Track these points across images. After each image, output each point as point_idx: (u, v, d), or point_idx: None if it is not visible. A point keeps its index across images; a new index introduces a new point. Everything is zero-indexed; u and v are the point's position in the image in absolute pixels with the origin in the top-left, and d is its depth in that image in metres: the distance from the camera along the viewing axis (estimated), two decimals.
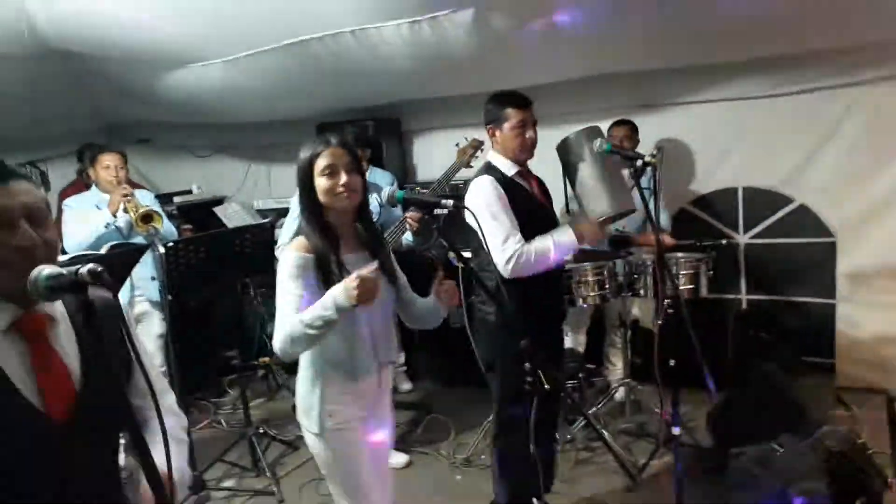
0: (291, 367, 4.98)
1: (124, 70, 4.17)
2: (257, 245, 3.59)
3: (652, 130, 4.16)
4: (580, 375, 3.80)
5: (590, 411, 3.77)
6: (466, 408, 4.02)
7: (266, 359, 4.84)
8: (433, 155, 4.94)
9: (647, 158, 2.61)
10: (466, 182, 4.53)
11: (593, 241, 2.69)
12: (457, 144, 3.88)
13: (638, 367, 3.88)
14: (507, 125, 2.60)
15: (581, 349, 4.17)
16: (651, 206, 2.94)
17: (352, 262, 2.00)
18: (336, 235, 2.02)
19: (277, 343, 1.91)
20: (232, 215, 4.91)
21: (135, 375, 1.44)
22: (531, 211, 2.63)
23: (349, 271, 1.92)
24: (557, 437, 3.35)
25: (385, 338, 2.12)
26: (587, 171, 2.65)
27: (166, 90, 4.34)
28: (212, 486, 3.49)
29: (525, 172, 2.71)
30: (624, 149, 3.60)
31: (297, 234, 2.08)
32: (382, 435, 2.22)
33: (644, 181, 3.73)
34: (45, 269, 1.11)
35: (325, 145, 2.00)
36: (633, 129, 4.01)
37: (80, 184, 4.92)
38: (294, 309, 1.91)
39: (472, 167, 3.83)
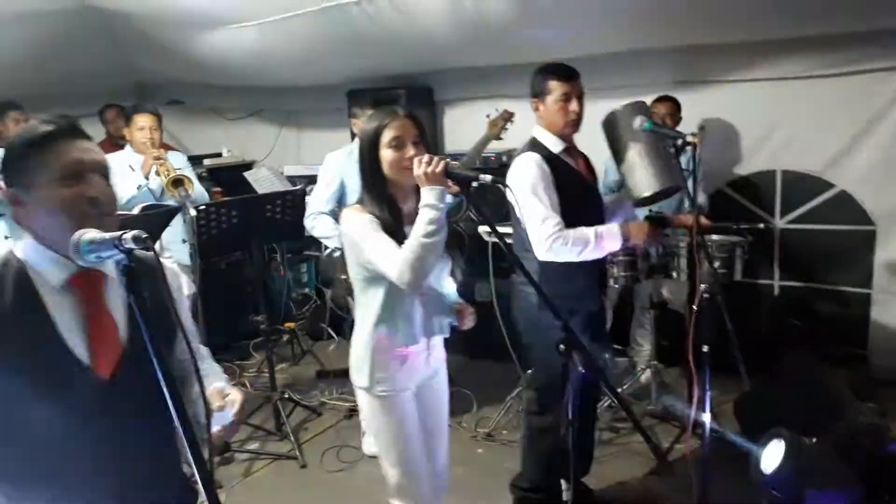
0: (316, 334, 5.06)
1: (159, 29, 4.15)
2: (288, 212, 3.59)
3: (693, 108, 4.05)
4: (605, 355, 3.77)
5: (612, 392, 3.73)
6: (490, 382, 4.02)
7: (291, 324, 4.88)
8: (465, 126, 4.86)
9: (689, 138, 2.54)
10: (500, 155, 4.49)
11: (640, 242, 2.62)
12: (487, 116, 3.81)
13: (665, 349, 3.83)
14: (549, 98, 2.53)
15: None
16: (689, 186, 2.87)
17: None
18: (398, 208, 1.99)
19: (405, 276, 1.86)
20: (261, 180, 4.91)
21: (178, 336, 1.47)
22: (577, 190, 2.58)
23: None
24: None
25: (438, 310, 2.10)
26: (633, 146, 2.58)
27: (200, 51, 4.31)
28: (235, 448, 3.54)
29: (571, 149, 2.65)
30: (665, 126, 3.51)
31: (355, 203, 2.05)
32: (433, 408, 2.22)
33: (682, 161, 3.67)
34: (88, 233, 1.13)
35: (393, 116, 1.96)
36: (676, 106, 3.91)
37: (107, 143, 4.94)
38: (394, 248, 1.89)
39: (502, 139, 3.77)
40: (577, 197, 2.55)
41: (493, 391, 3.90)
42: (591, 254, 2.49)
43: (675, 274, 3.40)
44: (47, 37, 4.05)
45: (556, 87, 2.51)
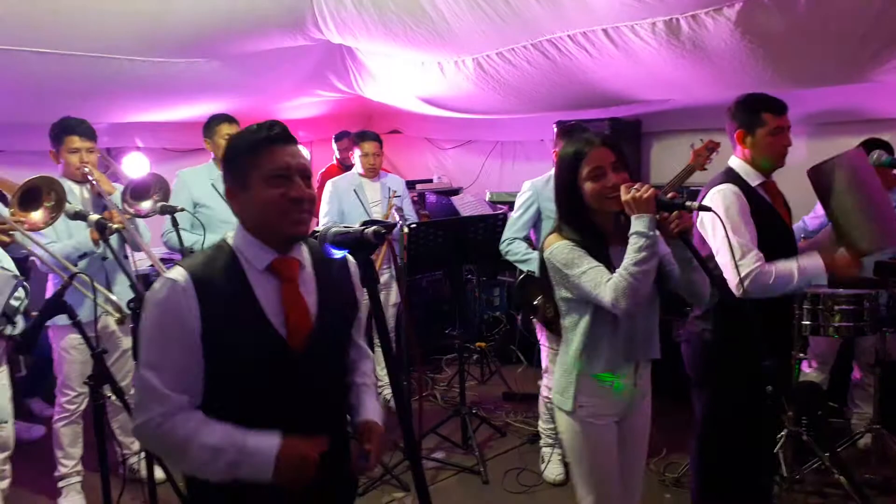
0: (504, 357, 5.18)
1: (384, 65, 4.57)
2: (488, 234, 3.75)
3: None
4: (819, 412, 3.43)
5: (825, 454, 3.39)
6: (682, 424, 3.82)
7: (482, 344, 5.04)
8: (671, 157, 4.77)
9: None
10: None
11: (845, 275, 2.42)
12: (691, 145, 3.73)
13: (890, 413, 3.40)
14: (761, 131, 2.45)
15: (824, 384, 3.76)
16: None
17: (616, 255, 1.93)
18: (602, 234, 1.99)
19: (620, 303, 1.83)
20: (466, 205, 5.18)
21: (356, 325, 1.69)
22: (771, 227, 2.44)
23: (614, 266, 1.89)
24: (781, 473, 3.08)
25: (645, 335, 2.02)
26: (847, 199, 2.41)
27: (419, 84, 4.68)
28: (423, 456, 3.71)
29: (770, 185, 2.53)
30: None
31: (553, 231, 2.06)
32: (633, 441, 2.13)
33: None
34: (333, 228, 1.35)
35: (590, 146, 1.95)
36: None
37: (334, 167, 5.53)
38: (605, 274, 1.88)
39: (706, 169, 3.66)
40: (772, 234, 2.42)
41: (683, 434, 3.71)
42: (795, 288, 2.36)
43: None
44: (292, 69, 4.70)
45: (770, 120, 2.43)
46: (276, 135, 1.47)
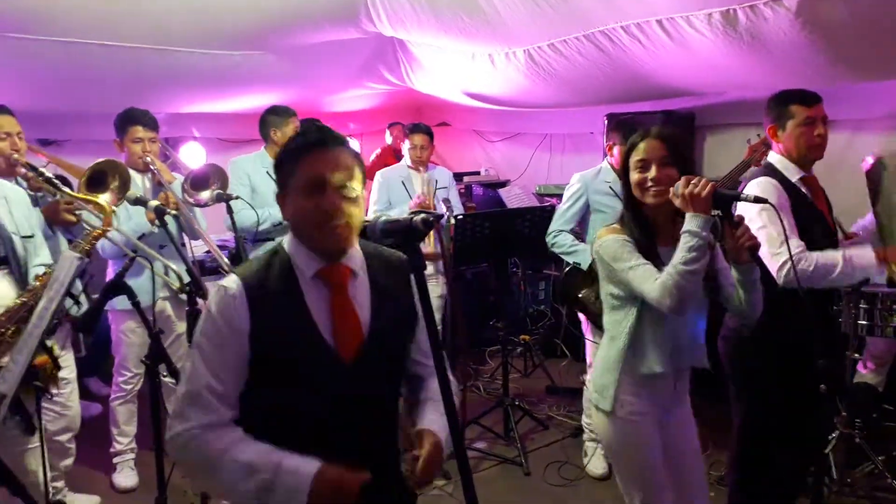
0: (548, 350, 5.16)
1: (434, 57, 4.58)
2: (535, 227, 3.74)
3: None
4: (874, 415, 3.34)
5: (879, 458, 3.29)
6: (727, 424, 3.76)
7: (526, 337, 5.03)
8: (726, 152, 4.66)
9: None
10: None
11: None
12: (748, 140, 3.65)
13: None
14: (791, 123, 2.43)
15: (881, 385, 3.65)
16: None
17: (666, 255, 1.91)
18: (652, 227, 1.98)
19: (665, 301, 1.82)
20: (513, 198, 5.17)
21: (418, 333, 1.59)
22: (811, 223, 2.39)
23: (663, 265, 1.88)
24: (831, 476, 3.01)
25: (688, 342, 2.01)
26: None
27: (470, 76, 4.68)
28: (465, 445, 3.74)
29: (810, 179, 2.48)
30: None
31: (612, 223, 2.09)
32: (679, 440, 2.11)
33: None
34: (383, 217, 1.34)
35: (642, 137, 1.95)
36: None
37: (388, 153, 5.59)
38: (653, 271, 1.87)
39: (761, 165, 3.57)
40: (813, 230, 2.36)
41: (728, 432, 3.64)
42: (839, 279, 2.30)
43: None
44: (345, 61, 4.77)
45: (799, 112, 2.41)
46: (310, 142, 1.42)
